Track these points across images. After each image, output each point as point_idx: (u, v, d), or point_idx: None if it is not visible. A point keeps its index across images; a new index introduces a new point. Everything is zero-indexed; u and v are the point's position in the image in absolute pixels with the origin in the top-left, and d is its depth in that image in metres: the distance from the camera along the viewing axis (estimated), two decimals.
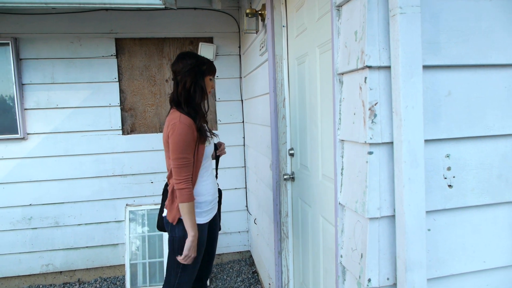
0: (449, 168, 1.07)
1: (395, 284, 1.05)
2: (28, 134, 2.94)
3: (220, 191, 2.01)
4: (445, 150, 1.06)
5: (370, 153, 1.01)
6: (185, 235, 1.69)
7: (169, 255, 1.76)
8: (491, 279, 1.13)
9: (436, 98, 1.04)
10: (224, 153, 2.06)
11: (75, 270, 3.14)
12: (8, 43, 2.80)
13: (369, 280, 1.03)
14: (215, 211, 1.89)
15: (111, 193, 3.11)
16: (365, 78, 1.00)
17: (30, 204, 3.00)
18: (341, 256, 1.20)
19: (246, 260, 3.41)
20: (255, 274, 3.13)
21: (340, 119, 1.17)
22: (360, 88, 1.03)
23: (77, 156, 3.03)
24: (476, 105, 1.07)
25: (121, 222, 3.14)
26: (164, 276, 1.81)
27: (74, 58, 2.96)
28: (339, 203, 1.20)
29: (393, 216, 1.03)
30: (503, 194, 1.11)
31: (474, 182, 1.09)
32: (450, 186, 1.07)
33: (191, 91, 1.70)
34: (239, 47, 3.22)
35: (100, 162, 3.07)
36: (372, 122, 0.99)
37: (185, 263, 1.69)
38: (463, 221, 1.09)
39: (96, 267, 3.16)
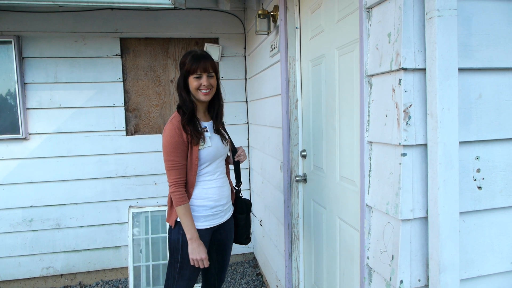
0: (478, 170, 1.08)
1: (426, 286, 1.05)
2: (30, 134, 2.89)
3: (249, 202, 1.95)
4: (475, 152, 1.07)
5: (404, 154, 1.01)
6: (179, 238, 1.66)
7: (169, 258, 1.74)
8: None
9: (467, 100, 1.04)
10: (244, 158, 1.92)
11: (76, 273, 3.08)
12: (11, 41, 2.75)
13: (401, 281, 1.03)
14: (221, 219, 1.78)
15: (114, 194, 3.07)
16: (400, 80, 1.00)
17: (31, 206, 2.94)
18: (368, 258, 1.20)
19: (250, 262, 3.39)
20: (260, 276, 3.11)
21: (368, 121, 1.17)
22: (394, 90, 1.03)
23: (80, 157, 2.98)
24: (505, 107, 1.08)
25: (124, 224, 3.10)
26: None
27: (78, 57, 2.92)
28: (367, 205, 1.20)
29: (425, 217, 1.04)
30: None
31: (502, 183, 1.10)
32: (479, 187, 1.08)
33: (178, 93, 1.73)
34: (245, 48, 3.21)
35: (103, 163, 3.03)
36: (407, 124, 1.00)
37: (197, 266, 1.65)
38: (491, 223, 1.10)
39: (98, 270, 3.11)
